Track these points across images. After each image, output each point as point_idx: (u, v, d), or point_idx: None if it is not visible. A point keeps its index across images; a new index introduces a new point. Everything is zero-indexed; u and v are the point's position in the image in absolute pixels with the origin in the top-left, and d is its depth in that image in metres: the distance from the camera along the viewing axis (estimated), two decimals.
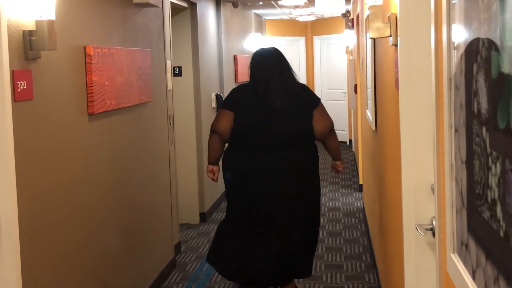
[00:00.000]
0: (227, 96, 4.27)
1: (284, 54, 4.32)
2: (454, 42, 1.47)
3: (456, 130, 1.48)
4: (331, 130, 4.23)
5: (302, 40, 13.08)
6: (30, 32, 2.76)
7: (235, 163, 4.15)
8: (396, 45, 2.85)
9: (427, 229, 2.28)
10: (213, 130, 4.21)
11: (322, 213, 6.86)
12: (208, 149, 4.28)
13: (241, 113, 4.11)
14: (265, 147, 4.06)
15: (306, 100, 4.16)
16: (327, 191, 8.03)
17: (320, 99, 4.26)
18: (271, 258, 4.09)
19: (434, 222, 2.25)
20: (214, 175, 4.34)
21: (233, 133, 4.13)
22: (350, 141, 11.98)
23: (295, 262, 4.16)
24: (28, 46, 2.77)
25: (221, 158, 4.29)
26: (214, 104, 7.16)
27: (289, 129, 4.07)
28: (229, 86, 7.99)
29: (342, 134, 12.43)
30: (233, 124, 4.12)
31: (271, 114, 4.07)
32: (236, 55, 8.48)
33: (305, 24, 13.04)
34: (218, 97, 7.28)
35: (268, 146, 4.06)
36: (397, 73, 2.79)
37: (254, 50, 9.83)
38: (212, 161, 4.32)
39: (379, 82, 4.26)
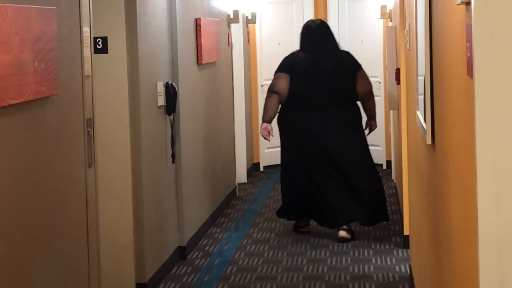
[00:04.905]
0: (281, 63, 8.45)
1: (330, 26, 8.73)
2: None
3: None
4: (370, 92, 8.42)
5: None
6: None
7: (291, 118, 8.30)
8: (468, 4, 2.87)
9: None
10: (273, 91, 8.30)
11: (343, 284, 7.00)
12: (266, 109, 8.38)
13: (295, 76, 8.25)
14: (315, 104, 8.20)
15: (349, 64, 8.40)
16: (350, 246, 8.07)
17: (361, 65, 8.43)
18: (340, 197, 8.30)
19: None
20: (269, 133, 8.34)
21: (289, 93, 8.23)
22: (388, 162, 11.97)
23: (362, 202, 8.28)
24: None
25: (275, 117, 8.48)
26: (162, 101, 7.14)
27: (336, 89, 8.22)
28: (188, 71, 8.00)
29: (375, 151, 12.41)
30: (289, 85, 8.23)
31: (320, 77, 8.22)
32: (199, 18, 8.52)
33: None
34: (169, 88, 7.24)
35: (318, 103, 8.19)
36: (470, 50, 2.80)
37: (228, 11, 9.97)
38: (269, 120, 8.34)
39: (439, 66, 4.29)
